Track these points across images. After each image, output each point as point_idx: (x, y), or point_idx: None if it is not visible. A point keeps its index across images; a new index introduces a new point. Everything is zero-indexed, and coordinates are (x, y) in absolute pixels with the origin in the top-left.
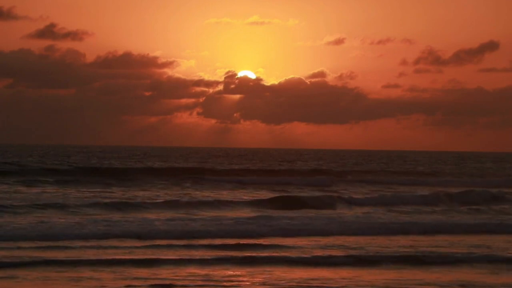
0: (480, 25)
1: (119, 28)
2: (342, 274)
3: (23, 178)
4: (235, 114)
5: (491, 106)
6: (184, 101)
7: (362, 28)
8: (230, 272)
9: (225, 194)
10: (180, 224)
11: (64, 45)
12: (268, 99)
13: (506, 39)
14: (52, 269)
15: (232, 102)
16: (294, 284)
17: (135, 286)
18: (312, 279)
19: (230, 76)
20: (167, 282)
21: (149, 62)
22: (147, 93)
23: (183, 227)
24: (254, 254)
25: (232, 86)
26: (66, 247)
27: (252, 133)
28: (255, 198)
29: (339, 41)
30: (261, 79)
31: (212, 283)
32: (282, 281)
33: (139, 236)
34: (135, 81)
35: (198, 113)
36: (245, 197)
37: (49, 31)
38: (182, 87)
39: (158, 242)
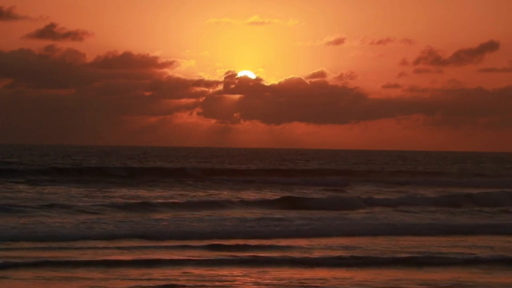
0: (480, 25)
1: (119, 28)
2: (341, 275)
3: (26, 177)
4: (235, 114)
5: (491, 106)
6: (184, 101)
7: (362, 28)
8: (229, 273)
9: (234, 194)
10: (184, 225)
11: (64, 45)
12: (268, 99)
13: (506, 39)
14: (47, 269)
15: (232, 102)
16: (295, 284)
17: (137, 286)
18: (312, 279)
19: (230, 76)
20: (171, 282)
21: (149, 62)
22: (147, 93)
23: (187, 227)
24: (256, 254)
25: (232, 86)
26: (67, 248)
27: (252, 133)
28: (265, 198)
29: (339, 41)
30: (261, 79)
31: (212, 284)
32: (283, 281)
33: (143, 237)
34: (135, 81)
35: (198, 113)
36: (252, 197)
37: (49, 31)
38: (182, 87)
39: (162, 243)
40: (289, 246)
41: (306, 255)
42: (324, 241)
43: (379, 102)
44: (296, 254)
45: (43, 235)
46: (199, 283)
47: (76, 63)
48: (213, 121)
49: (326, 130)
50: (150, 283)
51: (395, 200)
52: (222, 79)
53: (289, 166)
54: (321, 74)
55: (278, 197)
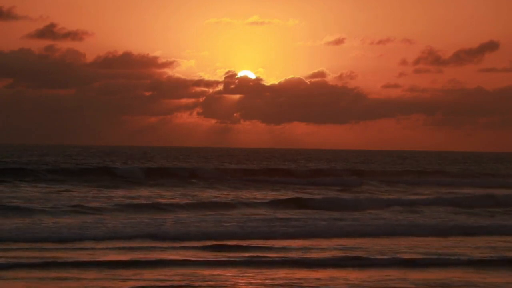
0: (480, 25)
1: (119, 28)
2: (338, 275)
3: (27, 178)
4: (235, 114)
5: (491, 106)
6: (184, 101)
7: (362, 28)
8: (230, 273)
9: (243, 194)
10: (191, 225)
11: (64, 45)
12: (268, 99)
13: (506, 39)
14: (47, 269)
15: (232, 102)
16: (296, 284)
17: (137, 286)
18: (311, 279)
19: (230, 76)
20: (172, 283)
21: (149, 62)
22: (147, 93)
23: (191, 228)
24: (258, 255)
25: (232, 86)
26: (68, 248)
27: (252, 133)
28: (275, 198)
29: (339, 41)
30: (261, 79)
31: (212, 284)
32: (283, 281)
33: (149, 237)
34: (135, 81)
35: (198, 113)
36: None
37: (49, 31)
38: (182, 87)
39: (167, 244)
40: (287, 246)
41: (306, 255)
42: (325, 241)
43: (379, 102)
44: (297, 255)
45: (43, 235)
46: (199, 283)
47: (76, 63)
48: (213, 121)
49: (326, 130)
50: (150, 283)
51: (407, 201)
52: (222, 79)
53: (296, 166)
54: (321, 74)
55: (289, 197)
